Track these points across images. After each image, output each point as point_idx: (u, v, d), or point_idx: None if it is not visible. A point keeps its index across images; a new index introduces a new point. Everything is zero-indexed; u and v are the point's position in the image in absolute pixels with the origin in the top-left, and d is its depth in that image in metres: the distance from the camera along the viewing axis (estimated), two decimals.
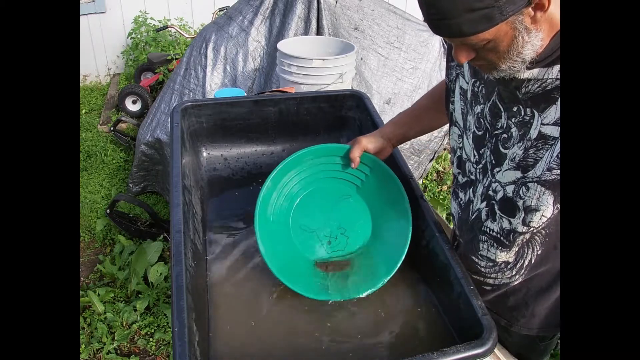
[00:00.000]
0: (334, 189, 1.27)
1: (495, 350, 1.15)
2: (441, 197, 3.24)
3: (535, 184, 0.91)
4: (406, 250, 1.17)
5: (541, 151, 0.89)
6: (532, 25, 0.79)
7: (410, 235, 1.18)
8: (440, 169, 3.53)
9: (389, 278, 1.15)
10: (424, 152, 3.16)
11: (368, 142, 1.21)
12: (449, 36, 0.82)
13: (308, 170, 1.23)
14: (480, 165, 1.05)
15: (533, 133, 0.90)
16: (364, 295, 1.14)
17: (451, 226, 1.34)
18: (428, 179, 3.45)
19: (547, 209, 0.92)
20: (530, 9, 0.76)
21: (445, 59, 1.60)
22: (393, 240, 1.21)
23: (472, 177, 1.09)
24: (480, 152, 1.05)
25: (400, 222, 1.20)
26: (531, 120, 0.90)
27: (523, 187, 0.94)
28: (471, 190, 1.10)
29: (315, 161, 1.23)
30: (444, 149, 3.46)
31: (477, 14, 0.75)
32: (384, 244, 1.23)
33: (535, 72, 0.86)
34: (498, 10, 0.74)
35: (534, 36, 0.80)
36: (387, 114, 2.93)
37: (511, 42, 0.80)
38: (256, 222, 1.13)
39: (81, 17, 4.51)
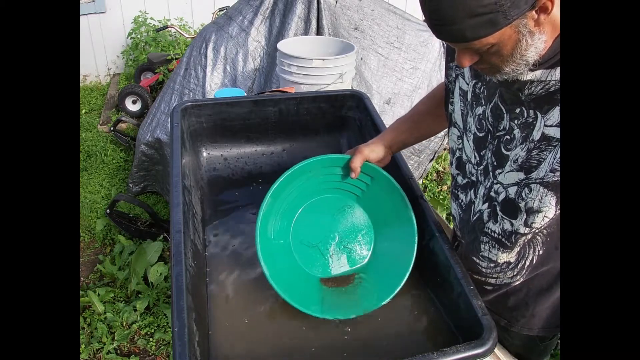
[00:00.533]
0: (334, 200, 1.23)
1: (495, 350, 1.15)
2: (441, 197, 3.24)
3: (538, 185, 0.91)
4: (413, 259, 1.14)
5: (544, 152, 0.89)
6: (535, 28, 0.79)
7: (416, 243, 1.15)
8: (440, 169, 3.53)
9: (398, 290, 1.11)
10: (424, 152, 3.16)
11: (370, 152, 1.18)
12: (452, 41, 0.82)
13: (307, 183, 1.19)
14: (482, 167, 1.05)
15: (536, 135, 0.90)
16: (375, 309, 1.10)
17: (451, 226, 1.34)
18: (428, 179, 3.45)
19: (550, 210, 0.92)
20: (534, 12, 0.76)
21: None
22: (399, 250, 1.17)
23: (473, 178, 1.09)
24: (481, 153, 1.04)
25: (405, 231, 1.17)
26: (534, 122, 0.90)
27: (526, 188, 0.93)
28: (472, 191, 1.10)
29: (314, 173, 1.18)
30: (444, 149, 3.47)
31: (481, 19, 0.75)
32: (390, 254, 1.20)
33: (538, 73, 0.86)
34: (502, 15, 0.74)
35: (537, 39, 0.80)
36: (387, 114, 2.93)
37: (515, 46, 0.80)
38: (257, 243, 1.08)
39: (81, 17, 4.51)
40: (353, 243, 1.24)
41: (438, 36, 0.82)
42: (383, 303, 1.10)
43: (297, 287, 1.13)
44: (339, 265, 1.22)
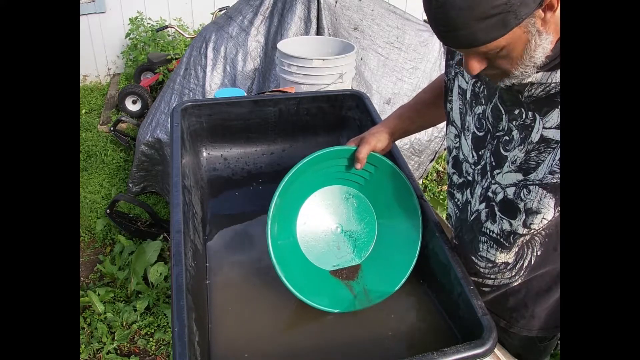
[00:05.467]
0: (336, 191, 1.23)
1: (495, 350, 1.15)
2: (441, 197, 3.24)
3: (537, 186, 0.91)
4: (419, 246, 1.15)
5: (543, 154, 0.89)
6: (542, 28, 0.78)
7: (421, 229, 1.16)
8: (441, 169, 3.53)
9: (411, 269, 1.14)
10: (425, 152, 3.16)
11: (377, 141, 1.17)
12: (462, 47, 0.80)
13: (311, 177, 1.18)
14: (479, 167, 1.05)
15: (535, 136, 0.90)
16: (393, 292, 1.13)
17: None
18: (428, 179, 3.45)
19: (548, 211, 0.92)
20: (541, 10, 0.75)
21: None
22: (404, 237, 1.18)
23: (470, 177, 1.09)
24: (480, 153, 1.04)
25: (410, 218, 1.18)
26: (532, 124, 0.90)
27: (524, 189, 0.93)
28: (468, 191, 1.09)
29: (319, 166, 1.17)
30: (445, 149, 3.47)
31: (492, 20, 0.74)
32: (396, 239, 1.21)
33: (538, 76, 0.86)
34: (513, 15, 0.73)
35: (544, 39, 0.79)
36: (387, 114, 2.90)
37: (524, 47, 0.79)
38: (269, 247, 1.06)
39: (81, 17, 4.51)
40: (358, 232, 1.24)
41: (446, 43, 0.80)
42: (398, 287, 1.14)
43: (312, 285, 1.12)
44: (346, 256, 1.22)
